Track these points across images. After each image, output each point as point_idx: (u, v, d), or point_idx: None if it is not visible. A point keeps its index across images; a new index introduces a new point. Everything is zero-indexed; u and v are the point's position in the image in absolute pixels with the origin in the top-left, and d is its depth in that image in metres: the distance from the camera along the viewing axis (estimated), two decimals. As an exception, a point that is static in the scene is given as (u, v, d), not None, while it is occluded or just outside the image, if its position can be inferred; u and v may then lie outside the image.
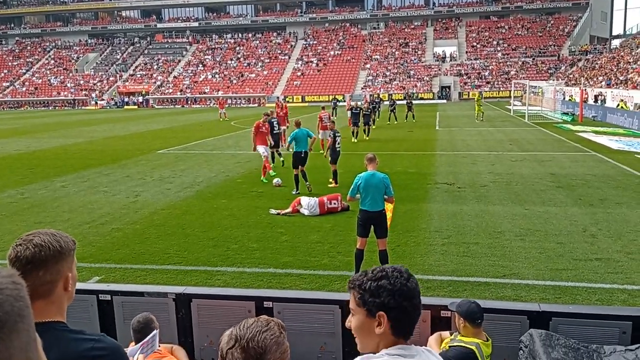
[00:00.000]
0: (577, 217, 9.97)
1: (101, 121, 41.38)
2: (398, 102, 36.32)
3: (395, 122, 31.05)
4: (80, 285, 5.25)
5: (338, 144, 13.52)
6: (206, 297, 4.57)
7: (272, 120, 16.39)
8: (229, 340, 1.60)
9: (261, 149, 14.45)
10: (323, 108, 23.41)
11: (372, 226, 7.12)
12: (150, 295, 4.53)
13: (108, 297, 4.55)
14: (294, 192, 12.47)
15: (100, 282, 7.16)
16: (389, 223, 7.72)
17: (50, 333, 1.62)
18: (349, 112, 23.91)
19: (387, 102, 35.82)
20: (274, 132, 16.17)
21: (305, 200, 10.76)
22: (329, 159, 13.55)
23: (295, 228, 9.74)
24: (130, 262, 8.11)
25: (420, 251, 8.30)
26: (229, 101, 68.89)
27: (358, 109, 23.13)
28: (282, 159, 16.64)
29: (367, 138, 23.40)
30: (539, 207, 10.72)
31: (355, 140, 22.41)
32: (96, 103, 72.06)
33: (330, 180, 13.37)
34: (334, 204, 10.69)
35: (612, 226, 9.29)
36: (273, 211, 10.73)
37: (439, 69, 69.33)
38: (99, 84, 77.90)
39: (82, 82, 78.48)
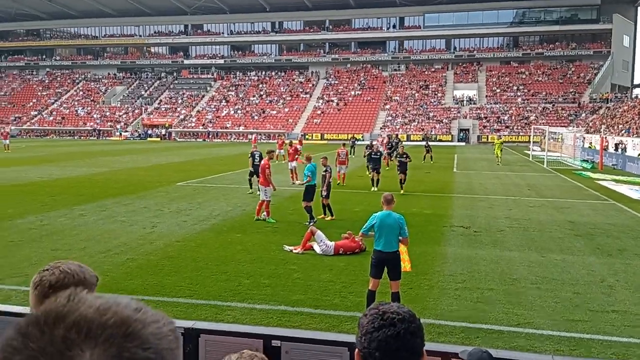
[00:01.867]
0: (595, 266, 9.79)
1: (124, 152, 42.18)
2: (411, 143, 36.37)
3: (423, 162, 31.56)
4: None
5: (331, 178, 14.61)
6: (214, 332, 4.57)
7: (254, 152, 18.82)
8: None
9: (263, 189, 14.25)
10: (343, 145, 23.79)
11: (385, 267, 7.08)
12: (159, 328, 4.54)
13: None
14: (310, 223, 12.70)
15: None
16: (408, 265, 7.71)
17: None
18: (366, 156, 21.92)
19: (423, 142, 35.54)
20: (255, 163, 18.29)
21: (320, 238, 10.67)
22: (324, 194, 14.26)
23: (308, 265, 9.72)
24: (142, 293, 8.14)
25: (433, 295, 8.20)
26: (249, 136, 69.86)
27: (378, 153, 20.89)
28: (253, 189, 18.22)
29: (376, 189, 19.43)
30: (556, 255, 10.56)
31: (375, 189, 19.33)
32: (120, 134, 73.60)
33: (324, 215, 14.11)
34: (349, 253, 10.61)
35: (630, 278, 9.10)
36: (287, 248, 10.75)
37: (458, 112, 69.66)
38: (124, 116, 79.76)
39: (108, 113, 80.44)
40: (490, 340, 6.50)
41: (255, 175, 18.20)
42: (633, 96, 65.84)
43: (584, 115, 62.76)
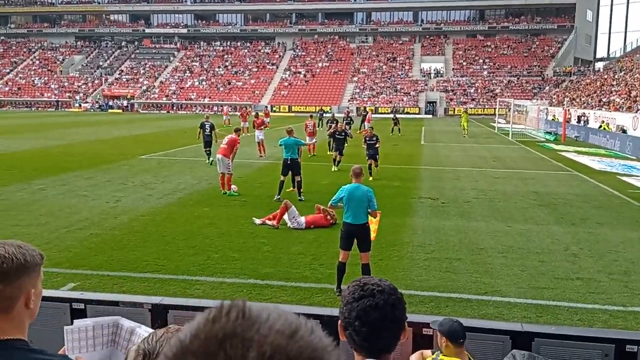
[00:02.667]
0: (559, 235, 10.01)
1: (84, 124, 40.89)
2: (380, 115, 36.35)
3: (391, 135, 31.50)
4: (53, 293, 5.08)
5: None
6: (183, 308, 4.44)
7: (204, 123, 19.19)
8: (136, 356, 1.47)
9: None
10: (310, 117, 23.64)
11: (355, 239, 7.04)
12: (125, 305, 4.39)
13: (82, 306, 4.40)
14: (275, 198, 12.53)
15: (75, 289, 6.97)
16: (374, 236, 7.68)
17: (9, 352, 1.51)
18: (328, 133, 19.99)
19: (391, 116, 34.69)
20: (205, 133, 19.01)
21: (293, 214, 10.50)
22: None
23: (278, 239, 9.62)
24: (107, 269, 7.91)
25: (403, 265, 8.24)
26: (215, 108, 68.72)
27: (343, 132, 18.10)
28: (211, 159, 18.06)
29: (336, 169, 17.67)
30: (521, 225, 10.75)
31: (336, 169, 17.63)
32: (80, 105, 71.33)
33: (292, 188, 13.55)
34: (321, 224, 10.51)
35: (593, 246, 9.33)
36: (257, 221, 10.59)
37: (426, 85, 69.99)
38: (83, 86, 77.19)
39: (66, 84, 77.68)
40: (459, 309, 6.57)
41: (209, 147, 18.98)
42: (595, 70, 67.32)
43: (547, 88, 63.92)
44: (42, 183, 14.72)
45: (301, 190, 13.12)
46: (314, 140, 21.27)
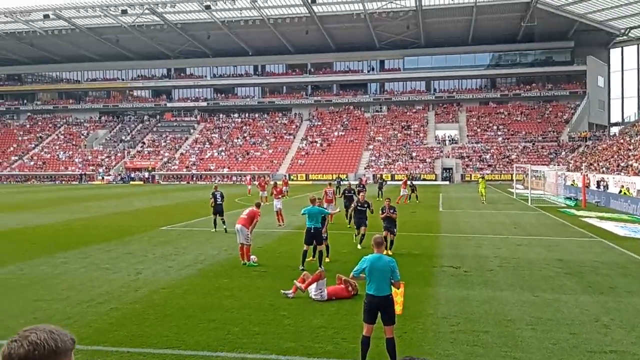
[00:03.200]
0: (588, 305, 9.70)
1: (106, 196, 41.66)
2: (396, 182, 36.51)
3: (409, 202, 31.88)
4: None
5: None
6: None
7: (215, 193, 19.86)
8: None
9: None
10: (330, 184, 23.95)
11: (378, 312, 6.91)
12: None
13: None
14: (300, 268, 12.41)
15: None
16: (400, 309, 7.54)
17: None
18: (351, 208, 19.07)
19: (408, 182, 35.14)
20: (217, 203, 19.63)
21: (321, 285, 10.28)
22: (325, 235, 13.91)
23: (298, 311, 9.47)
24: (127, 345, 7.81)
25: (428, 339, 8.00)
26: (234, 178, 69.76)
27: (366, 204, 16.40)
28: (225, 226, 19.22)
29: (360, 247, 15.84)
30: (549, 294, 10.47)
31: (360, 247, 15.82)
32: (102, 178, 72.95)
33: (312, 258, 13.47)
34: (342, 296, 10.35)
35: (624, 316, 9.01)
36: (285, 292, 10.42)
37: (441, 151, 70.60)
38: (106, 159, 79.30)
39: (90, 157, 79.91)
40: (489, 386, 6.30)
41: (218, 215, 19.64)
42: (610, 134, 67.51)
43: (563, 153, 63.99)
44: (64, 257, 14.84)
45: (322, 260, 12.99)
46: (337, 210, 21.67)
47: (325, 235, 14.02)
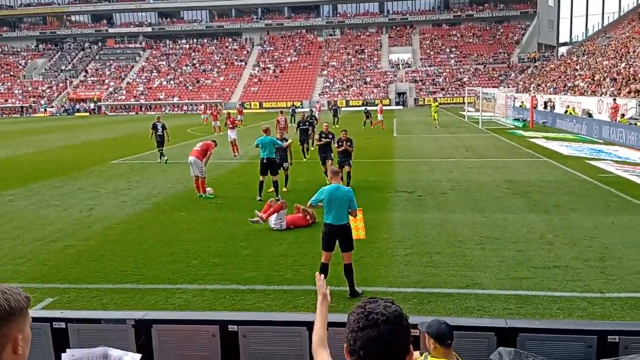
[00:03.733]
0: (534, 224, 10.20)
1: (51, 129, 39.95)
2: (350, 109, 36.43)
3: (363, 128, 31.76)
4: (32, 313, 4.96)
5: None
6: (167, 322, 4.38)
7: (156, 124, 20.10)
8: None
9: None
10: (281, 112, 23.65)
11: (336, 240, 7.05)
12: (108, 322, 4.31)
13: (63, 325, 4.30)
14: (258, 199, 12.49)
15: (53, 304, 6.82)
16: (364, 234, 7.72)
17: None
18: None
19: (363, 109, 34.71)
20: (158, 133, 19.93)
21: (282, 215, 10.31)
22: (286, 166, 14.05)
23: (257, 241, 9.57)
24: (85, 281, 7.76)
25: (384, 262, 8.28)
26: (185, 108, 67.93)
27: (330, 135, 15.98)
28: (165, 158, 19.72)
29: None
30: (497, 215, 10.92)
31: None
32: (45, 110, 69.62)
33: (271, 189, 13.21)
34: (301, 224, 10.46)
35: (568, 233, 9.54)
36: (258, 220, 10.34)
37: (395, 76, 70.40)
38: (48, 90, 75.34)
39: (30, 88, 75.71)
40: (442, 304, 6.64)
41: (161, 146, 20.05)
42: (559, 55, 68.68)
43: (513, 75, 64.98)
44: (11, 194, 14.34)
45: (278, 190, 13.00)
46: (289, 141, 21.10)
47: (286, 166, 14.01)
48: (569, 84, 41.71)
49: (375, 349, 1.62)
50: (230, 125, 22.14)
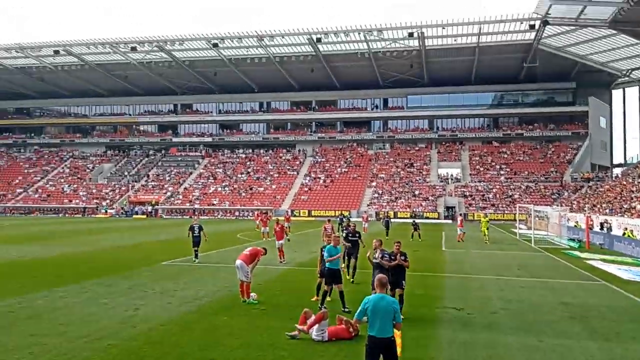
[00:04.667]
0: (593, 351, 9.52)
1: (108, 230, 41.58)
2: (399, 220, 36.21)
3: (411, 240, 31.49)
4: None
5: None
6: None
7: (193, 225, 21.49)
8: None
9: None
10: (328, 220, 23.92)
11: (380, 355, 6.79)
12: None
13: None
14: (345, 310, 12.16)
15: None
16: (399, 351, 7.39)
17: None
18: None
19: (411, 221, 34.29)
20: (194, 235, 21.22)
21: (324, 325, 10.14)
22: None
23: (299, 351, 9.32)
24: (124, 383, 7.68)
25: (430, 383, 7.84)
26: (236, 213, 69.72)
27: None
28: (198, 260, 21.00)
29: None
30: (554, 339, 10.29)
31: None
32: (105, 212, 72.96)
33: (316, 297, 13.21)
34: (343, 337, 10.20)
35: (631, 363, 8.83)
36: (296, 334, 10.22)
37: (444, 190, 70.59)
38: (110, 193, 79.50)
39: (94, 190, 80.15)
40: None
41: (197, 246, 21.27)
42: (613, 175, 67.49)
43: (566, 194, 63.86)
44: (63, 290, 14.73)
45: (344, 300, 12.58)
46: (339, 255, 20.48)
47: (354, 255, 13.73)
48: (625, 206, 40.52)
49: None
50: (279, 236, 22.42)
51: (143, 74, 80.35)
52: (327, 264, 12.81)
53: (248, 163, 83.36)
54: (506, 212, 62.85)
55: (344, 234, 17.86)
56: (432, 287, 16.13)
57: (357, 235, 16.99)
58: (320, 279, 13.46)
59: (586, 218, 33.58)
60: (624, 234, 31.43)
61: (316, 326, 10.12)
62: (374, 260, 12.23)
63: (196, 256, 21.26)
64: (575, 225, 39.77)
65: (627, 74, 72.61)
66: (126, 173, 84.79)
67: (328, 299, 12.94)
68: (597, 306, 13.58)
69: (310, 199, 71.40)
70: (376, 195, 70.91)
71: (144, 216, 70.76)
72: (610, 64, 69.67)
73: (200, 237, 21.29)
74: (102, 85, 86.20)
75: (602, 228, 36.65)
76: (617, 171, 72.17)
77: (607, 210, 42.06)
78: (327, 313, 10.33)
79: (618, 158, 79.68)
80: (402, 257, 12.05)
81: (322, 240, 18.71)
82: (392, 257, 12.11)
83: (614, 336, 10.64)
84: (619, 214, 38.44)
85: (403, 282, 12.01)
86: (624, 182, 50.14)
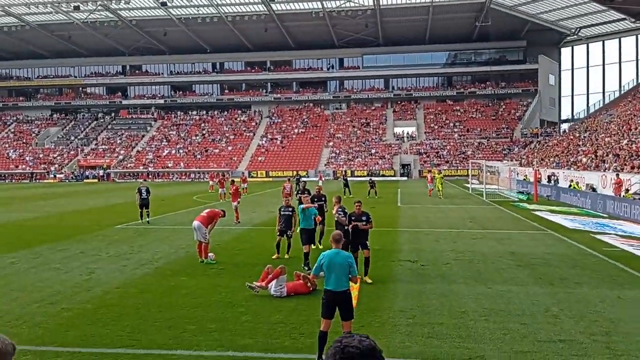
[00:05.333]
0: (539, 296, 10.01)
1: (58, 195, 40.35)
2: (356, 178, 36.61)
3: (367, 197, 31.83)
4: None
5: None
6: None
7: (141, 188, 21.45)
8: None
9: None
10: (288, 180, 23.96)
11: (337, 307, 6.94)
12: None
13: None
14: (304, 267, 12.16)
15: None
16: (355, 303, 7.57)
17: None
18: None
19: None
20: (142, 197, 21.18)
21: (282, 281, 10.21)
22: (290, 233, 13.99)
23: (257, 307, 9.42)
24: (79, 345, 7.60)
25: (385, 332, 8.10)
26: (192, 176, 68.79)
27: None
28: (148, 219, 21.25)
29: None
30: (501, 286, 10.76)
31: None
32: (54, 176, 70.62)
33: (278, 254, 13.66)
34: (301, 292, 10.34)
35: (573, 306, 9.34)
36: (255, 286, 10.32)
37: (399, 148, 71.55)
38: (58, 158, 76.81)
39: (41, 155, 77.23)
40: (444, 376, 6.43)
41: (144, 208, 21.31)
42: (561, 131, 69.94)
43: (516, 149, 65.93)
44: (13, 257, 14.31)
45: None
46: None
47: (290, 234, 13.94)
48: (571, 159, 42.16)
49: (348, 354, 1.72)
50: (234, 197, 22.27)
51: (88, 34, 76.62)
52: (301, 224, 13.17)
53: (202, 125, 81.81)
54: (460, 168, 64.42)
55: (301, 196, 16.97)
56: (388, 242, 16.49)
57: (323, 199, 16.11)
58: (279, 237, 13.70)
59: (534, 172, 34.80)
60: (570, 185, 32.79)
61: (274, 282, 10.22)
62: (334, 218, 12.39)
63: (142, 216, 21.30)
64: (524, 179, 41.20)
65: (576, 32, 74.33)
66: (74, 137, 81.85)
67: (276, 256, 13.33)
68: (543, 254, 14.24)
69: (267, 160, 71.07)
70: (333, 154, 71.23)
71: (96, 180, 68.92)
72: (560, 22, 71.06)
73: (148, 199, 21.44)
74: (45, 46, 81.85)
75: (549, 181, 38.11)
76: (564, 126, 74.75)
77: (555, 164, 43.69)
78: (285, 269, 10.43)
79: (566, 114, 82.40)
80: (365, 218, 11.41)
81: (281, 200, 18.66)
82: (350, 216, 11.63)
83: (558, 281, 11.21)
84: (566, 167, 40.01)
85: (366, 242, 11.47)
86: (571, 137, 52.02)
